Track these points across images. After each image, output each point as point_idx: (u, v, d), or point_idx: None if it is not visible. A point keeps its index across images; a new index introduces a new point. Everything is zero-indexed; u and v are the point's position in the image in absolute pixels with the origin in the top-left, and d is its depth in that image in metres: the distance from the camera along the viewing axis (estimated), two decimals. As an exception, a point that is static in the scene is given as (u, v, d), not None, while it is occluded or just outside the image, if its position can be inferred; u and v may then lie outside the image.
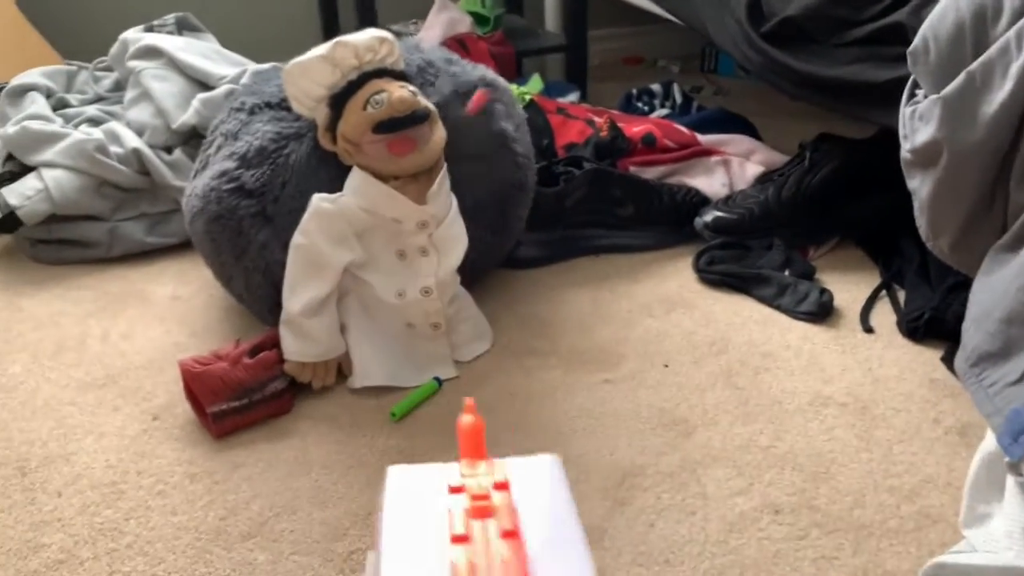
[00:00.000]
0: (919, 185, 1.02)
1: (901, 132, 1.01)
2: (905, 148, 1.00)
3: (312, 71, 0.99)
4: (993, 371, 0.90)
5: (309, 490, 0.91)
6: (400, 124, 0.97)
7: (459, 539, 0.44)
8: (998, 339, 0.90)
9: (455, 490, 0.48)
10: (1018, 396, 0.83)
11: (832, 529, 0.84)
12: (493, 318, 1.20)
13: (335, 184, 1.04)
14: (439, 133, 1.02)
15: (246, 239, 1.06)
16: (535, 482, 0.50)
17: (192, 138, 1.46)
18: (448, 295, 1.09)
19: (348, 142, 1.00)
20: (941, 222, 1.02)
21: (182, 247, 1.42)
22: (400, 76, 1.02)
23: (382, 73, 1.00)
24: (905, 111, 0.99)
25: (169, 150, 1.44)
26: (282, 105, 1.09)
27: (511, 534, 0.45)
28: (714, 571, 0.80)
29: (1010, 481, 0.78)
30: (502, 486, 0.48)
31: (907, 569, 0.80)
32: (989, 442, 0.81)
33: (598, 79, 2.33)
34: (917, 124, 0.97)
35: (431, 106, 1.01)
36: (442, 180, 1.04)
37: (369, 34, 1.00)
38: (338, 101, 0.99)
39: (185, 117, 1.42)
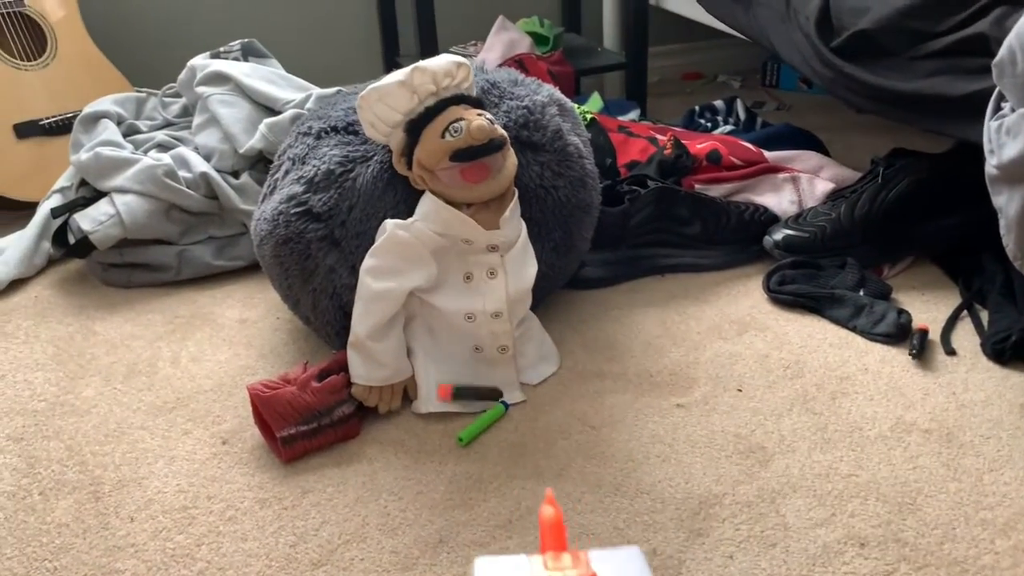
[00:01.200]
0: (1006, 202, 0.98)
1: (987, 147, 0.97)
2: (991, 163, 0.96)
3: (390, 97, 0.98)
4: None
5: (378, 516, 0.90)
6: (477, 153, 0.96)
7: None
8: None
9: None
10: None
11: (922, 564, 0.80)
12: (559, 340, 1.19)
13: (401, 207, 1.04)
14: (511, 160, 1.01)
15: (314, 262, 1.06)
16: (621, 573, 0.48)
17: (259, 162, 1.47)
18: (518, 317, 1.07)
19: (423, 169, 0.99)
20: (1031, 240, 0.97)
21: (249, 270, 1.44)
22: (476, 103, 1.01)
23: (459, 100, 1.00)
24: (991, 125, 0.96)
25: (236, 174, 1.46)
26: (348, 129, 1.10)
27: None
28: (799, 608, 0.77)
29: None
30: None
31: (1006, 608, 0.75)
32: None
33: (657, 96, 2.31)
34: (1004, 139, 0.93)
35: (505, 134, 1.00)
36: (514, 207, 1.03)
37: (446, 59, 0.99)
38: (415, 127, 0.99)
39: (252, 142, 1.43)
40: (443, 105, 0.99)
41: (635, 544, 0.84)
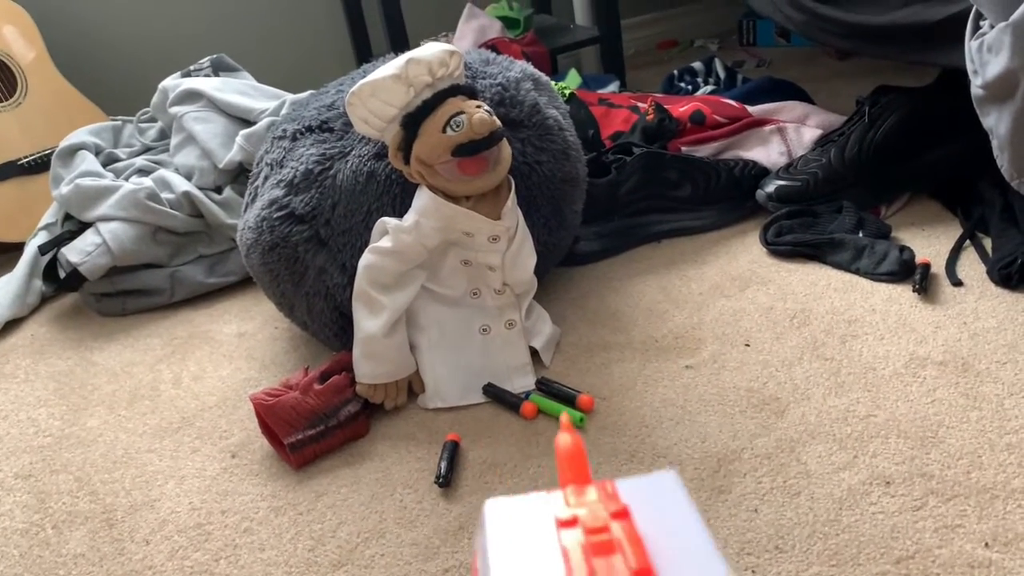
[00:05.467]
0: (996, 122, 0.96)
1: (969, 68, 0.95)
2: (976, 84, 0.94)
3: (384, 91, 0.94)
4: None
5: (395, 511, 0.89)
6: (480, 147, 0.94)
7: None
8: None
9: (566, 524, 0.41)
10: None
11: (951, 496, 0.79)
12: (560, 316, 1.17)
13: (384, 199, 1.02)
14: (507, 151, 0.98)
15: (303, 265, 1.04)
16: (656, 505, 0.41)
17: (240, 175, 1.46)
18: (519, 291, 1.06)
19: (422, 163, 0.97)
20: (1025, 157, 0.95)
21: (242, 285, 1.43)
22: (471, 92, 0.99)
23: (455, 91, 0.97)
24: (971, 45, 0.94)
25: (219, 190, 1.44)
26: (323, 127, 1.08)
27: (644, 573, 0.38)
28: (829, 552, 0.75)
29: None
30: (621, 514, 0.41)
31: (1041, 530, 0.74)
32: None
33: (635, 67, 2.29)
34: (987, 56, 0.91)
35: (501, 124, 0.98)
36: (514, 195, 1.01)
37: (437, 48, 0.96)
38: (412, 121, 0.95)
39: (231, 155, 1.42)
40: (440, 97, 0.95)
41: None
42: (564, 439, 0.44)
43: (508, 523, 0.41)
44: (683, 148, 1.42)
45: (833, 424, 0.90)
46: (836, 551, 0.75)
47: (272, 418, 0.96)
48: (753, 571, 0.75)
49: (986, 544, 0.73)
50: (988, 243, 1.16)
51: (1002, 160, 0.97)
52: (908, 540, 0.75)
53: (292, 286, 1.06)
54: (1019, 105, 0.88)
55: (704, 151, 1.42)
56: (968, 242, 1.17)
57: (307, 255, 1.04)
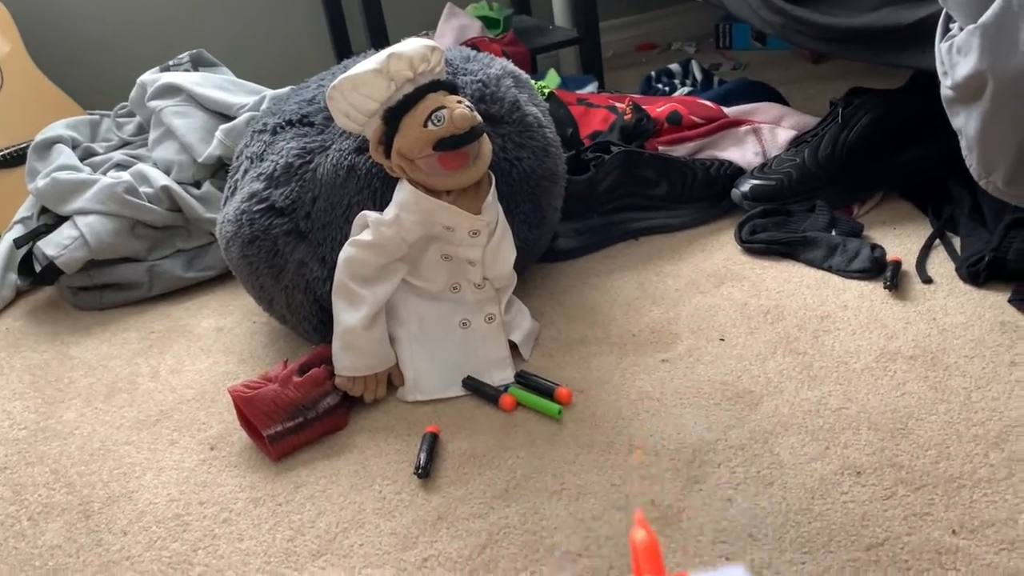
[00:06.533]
0: (964, 122, 0.98)
1: (940, 69, 0.97)
2: (946, 85, 0.96)
3: (365, 85, 0.94)
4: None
5: (374, 502, 0.89)
6: (461, 142, 0.94)
7: None
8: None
9: None
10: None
11: (919, 485, 0.81)
12: (539, 312, 1.18)
13: (364, 193, 1.03)
14: (487, 146, 0.99)
15: (282, 258, 1.05)
16: None
17: (219, 170, 1.46)
18: (499, 286, 1.07)
19: (403, 158, 0.97)
20: (993, 157, 0.97)
21: (221, 279, 1.42)
22: (452, 88, 0.99)
23: (436, 86, 0.97)
24: (942, 47, 0.96)
25: (198, 184, 1.44)
26: (304, 121, 1.08)
27: None
28: (801, 540, 0.76)
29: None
30: None
31: (1005, 518, 0.76)
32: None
33: (613, 69, 2.31)
34: (956, 58, 0.93)
35: (481, 120, 0.99)
36: (494, 190, 1.02)
37: (419, 43, 0.96)
38: (393, 116, 0.96)
39: (210, 149, 1.42)
40: (421, 92, 0.96)
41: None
42: (639, 534, 0.44)
43: None
44: (660, 148, 1.43)
45: (805, 416, 0.92)
46: (808, 539, 0.77)
47: (251, 410, 0.96)
48: (727, 559, 0.76)
49: (953, 531, 0.75)
50: (957, 242, 1.18)
51: (971, 160, 0.99)
52: (878, 528, 0.77)
53: (271, 279, 1.07)
54: (987, 106, 0.90)
55: (681, 151, 1.44)
56: (938, 241, 1.20)
57: (287, 248, 1.04)
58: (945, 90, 0.97)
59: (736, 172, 1.38)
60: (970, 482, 0.80)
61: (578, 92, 1.73)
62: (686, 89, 1.78)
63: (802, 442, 0.88)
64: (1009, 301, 1.04)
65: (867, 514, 0.78)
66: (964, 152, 1.00)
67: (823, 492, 0.81)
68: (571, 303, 1.21)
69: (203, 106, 1.49)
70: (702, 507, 0.82)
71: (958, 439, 0.85)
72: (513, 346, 1.09)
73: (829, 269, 1.18)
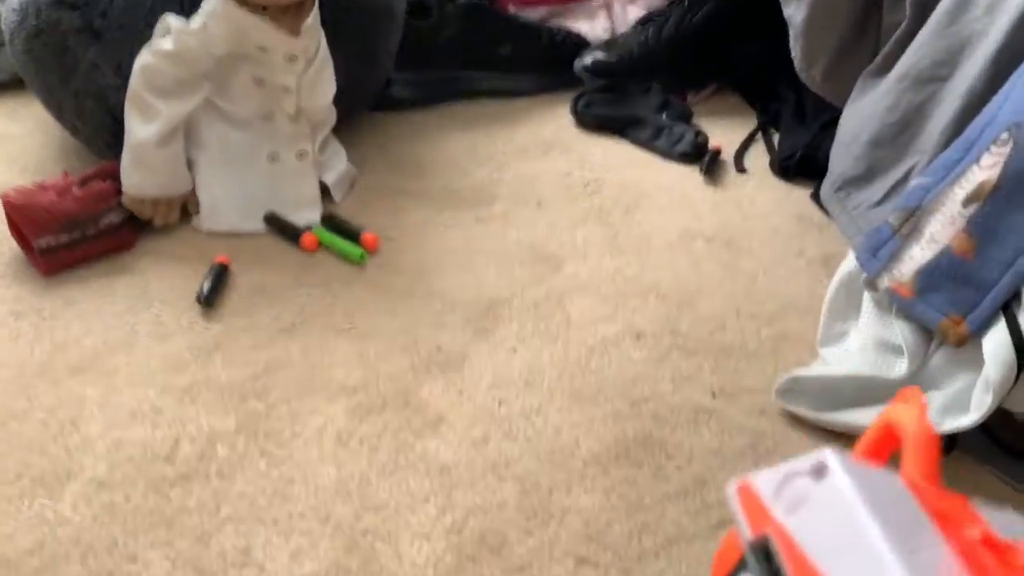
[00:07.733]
0: (794, 11, 0.99)
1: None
2: (781, -30, 0.97)
3: None
4: (857, 194, 0.90)
5: (149, 325, 0.85)
6: None
7: None
8: (863, 162, 0.90)
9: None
10: (879, 216, 0.83)
11: (692, 351, 0.84)
12: (363, 160, 1.13)
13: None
14: None
15: (72, 57, 0.94)
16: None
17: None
18: (316, 120, 1.01)
19: None
20: (815, 49, 1.00)
21: (14, 85, 1.28)
22: None
23: None
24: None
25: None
26: (109, -92, 0.96)
27: None
28: (573, 390, 0.79)
29: (866, 298, 0.79)
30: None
31: (763, 386, 0.80)
32: (849, 263, 0.82)
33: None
34: (792, -55, 0.93)
35: None
36: (316, 14, 0.95)
37: None
38: None
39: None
40: None
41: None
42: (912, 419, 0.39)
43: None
44: (512, 8, 1.39)
45: (601, 282, 0.93)
46: (579, 390, 0.79)
47: (21, 218, 0.88)
48: (500, 402, 0.78)
49: (713, 395, 0.79)
50: (777, 138, 1.22)
51: (796, 50, 1.01)
52: (646, 386, 0.80)
53: (59, 81, 0.97)
54: (815, -2, 0.91)
55: (532, 15, 1.39)
56: (760, 135, 1.23)
57: (78, 47, 0.94)
58: (780, -24, 0.97)
59: (583, 44, 1.36)
60: (738, 353, 0.84)
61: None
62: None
63: (593, 305, 0.90)
64: (811, 196, 1.09)
65: (639, 373, 0.81)
66: (791, 42, 1.02)
67: (602, 350, 0.83)
68: (397, 154, 1.17)
69: None
70: (487, 354, 0.83)
71: (736, 315, 0.89)
72: (325, 189, 1.04)
73: (654, 150, 1.19)
